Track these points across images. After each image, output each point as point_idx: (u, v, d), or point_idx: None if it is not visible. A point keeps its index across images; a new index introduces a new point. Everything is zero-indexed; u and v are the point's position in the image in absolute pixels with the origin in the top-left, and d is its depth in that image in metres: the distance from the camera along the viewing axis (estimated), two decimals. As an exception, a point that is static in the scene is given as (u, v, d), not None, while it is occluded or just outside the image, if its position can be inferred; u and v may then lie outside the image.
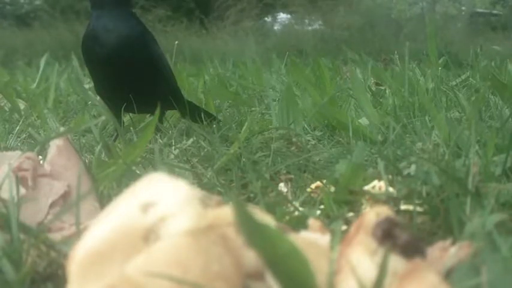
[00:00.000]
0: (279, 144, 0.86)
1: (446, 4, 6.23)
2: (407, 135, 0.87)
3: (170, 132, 0.98)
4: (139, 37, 0.96)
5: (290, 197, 0.59)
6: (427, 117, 0.95)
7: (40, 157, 0.56)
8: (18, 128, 1.03)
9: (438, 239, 0.42)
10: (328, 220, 0.50)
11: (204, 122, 1.04)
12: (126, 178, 0.56)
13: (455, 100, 1.12)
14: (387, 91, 1.34)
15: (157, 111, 0.63)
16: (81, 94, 1.46)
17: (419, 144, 0.72)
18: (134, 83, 0.96)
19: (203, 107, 1.21)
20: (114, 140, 0.96)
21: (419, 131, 0.82)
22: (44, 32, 4.69)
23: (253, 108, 1.27)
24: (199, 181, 0.64)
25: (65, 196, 0.50)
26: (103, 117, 0.98)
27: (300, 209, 0.51)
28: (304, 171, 0.69)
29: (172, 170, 0.62)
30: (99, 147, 0.64)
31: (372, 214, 0.32)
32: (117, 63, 0.94)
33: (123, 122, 1.02)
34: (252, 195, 0.61)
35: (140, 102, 0.96)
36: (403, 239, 0.31)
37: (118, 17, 0.94)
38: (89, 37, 0.95)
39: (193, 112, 1.06)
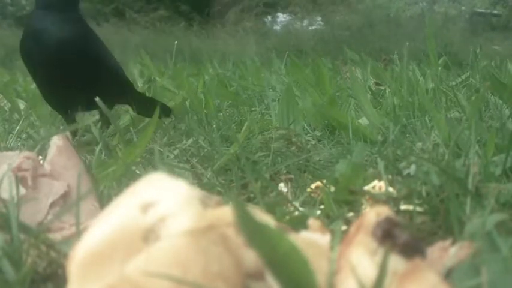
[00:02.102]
0: (279, 144, 0.85)
1: (446, 4, 6.23)
2: (407, 135, 0.87)
3: (170, 132, 0.98)
4: (80, 36, 0.94)
5: (290, 197, 0.59)
6: (427, 117, 0.95)
7: (40, 157, 0.56)
8: (18, 128, 1.03)
9: (438, 239, 0.42)
10: (328, 220, 0.50)
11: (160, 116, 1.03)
12: (126, 178, 0.56)
13: (455, 100, 1.12)
14: (387, 91, 1.34)
15: (156, 114, 0.62)
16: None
17: (419, 144, 0.72)
18: (77, 82, 0.93)
19: (203, 106, 1.21)
20: (74, 136, 0.94)
21: (419, 131, 0.82)
22: (43, 32, 4.67)
23: (253, 108, 1.27)
24: (199, 181, 0.64)
25: (65, 196, 0.50)
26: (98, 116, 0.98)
27: (300, 209, 0.51)
28: (304, 171, 0.69)
29: (172, 170, 0.62)
30: (99, 147, 0.64)
31: (372, 214, 0.32)
32: (58, 63, 0.92)
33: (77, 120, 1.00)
34: (252, 195, 0.61)
35: (84, 99, 0.94)
36: (403, 239, 0.31)
37: (60, 18, 0.92)
38: (28, 37, 0.93)
39: (145, 105, 1.05)
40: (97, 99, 0.62)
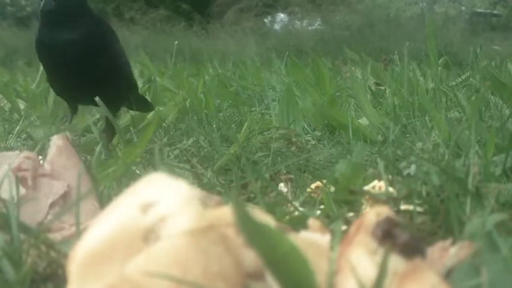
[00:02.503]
0: (279, 144, 0.86)
1: (446, 4, 6.22)
2: (407, 135, 0.87)
3: (170, 132, 0.98)
4: (98, 37, 0.92)
5: (290, 197, 0.59)
6: (427, 117, 0.95)
7: (40, 157, 0.56)
8: (18, 128, 1.03)
9: (438, 239, 0.42)
10: (328, 220, 0.50)
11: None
12: (126, 178, 0.56)
13: (455, 100, 1.12)
14: (387, 91, 1.34)
15: (154, 116, 0.62)
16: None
17: (419, 144, 0.72)
18: (90, 81, 0.92)
19: (203, 106, 1.21)
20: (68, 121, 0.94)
21: (419, 131, 0.82)
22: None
23: (253, 108, 1.27)
24: (199, 181, 0.64)
25: (65, 196, 0.50)
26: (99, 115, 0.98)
27: (300, 209, 0.51)
28: (304, 171, 0.69)
29: (172, 170, 0.62)
30: (99, 147, 0.64)
31: (372, 214, 0.32)
32: (77, 64, 0.90)
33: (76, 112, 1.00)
34: (252, 195, 0.61)
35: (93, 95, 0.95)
36: (403, 239, 0.31)
37: (74, 23, 0.91)
38: (44, 40, 0.91)
39: (142, 104, 1.08)
40: (97, 99, 0.62)
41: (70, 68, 0.90)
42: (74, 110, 0.96)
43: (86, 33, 0.90)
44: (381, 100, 1.26)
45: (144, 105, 1.09)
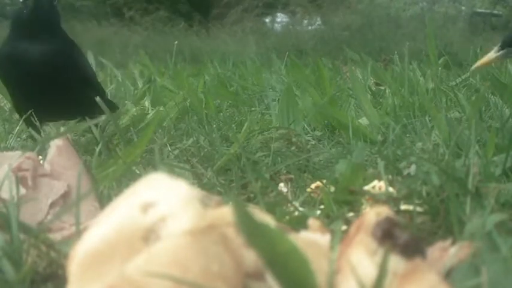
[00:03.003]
0: (279, 144, 0.86)
1: (446, 4, 6.21)
2: (407, 135, 0.87)
3: (171, 132, 0.98)
4: (65, 54, 0.92)
5: (290, 197, 0.59)
6: (427, 117, 0.95)
7: (40, 157, 0.56)
8: (18, 128, 1.03)
9: (438, 239, 0.42)
10: (328, 220, 0.50)
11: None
12: (126, 178, 0.56)
13: (455, 100, 1.12)
14: (387, 91, 1.34)
15: (154, 116, 0.62)
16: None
17: (419, 144, 0.73)
18: (62, 97, 0.92)
19: (203, 106, 1.22)
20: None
21: (419, 131, 0.82)
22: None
23: (253, 108, 1.27)
24: (199, 181, 0.64)
25: (65, 196, 0.50)
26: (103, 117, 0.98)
27: (300, 209, 0.51)
28: (304, 171, 0.69)
29: (172, 170, 0.62)
30: (99, 147, 0.64)
31: (372, 214, 0.32)
32: (44, 81, 0.89)
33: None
34: (252, 195, 0.61)
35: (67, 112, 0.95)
36: (403, 239, 0.31)
37: (42, 38, 0.90)
38: (10, 57, 0.91)
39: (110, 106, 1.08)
40: (98, 99, 0.62)
41: (43, 83, 0.89)
42: (38, 131, 0.93)
43: (57, 49, 0.90)
44: (381, 100, 1.26)
45: (111, 107, 1.08)
